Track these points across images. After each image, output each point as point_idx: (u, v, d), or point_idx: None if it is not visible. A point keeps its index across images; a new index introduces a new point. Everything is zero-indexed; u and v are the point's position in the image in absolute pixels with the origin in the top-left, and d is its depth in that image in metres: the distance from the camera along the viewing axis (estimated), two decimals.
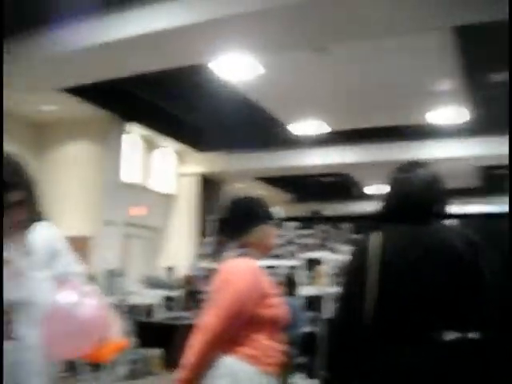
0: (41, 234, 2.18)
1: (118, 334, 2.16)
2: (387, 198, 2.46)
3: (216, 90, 8.61)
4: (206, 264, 9.14)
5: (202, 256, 9.74)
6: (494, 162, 12.21)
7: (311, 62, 7.60)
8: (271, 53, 7.31)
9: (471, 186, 14.89)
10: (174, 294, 9.29)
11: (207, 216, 12.26)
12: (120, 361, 6.98)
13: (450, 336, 2.18)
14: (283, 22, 6.04)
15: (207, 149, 12.47)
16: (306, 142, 11.27)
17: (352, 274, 2.38)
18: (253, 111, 9.59)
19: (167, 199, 12.97)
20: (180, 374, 2.63)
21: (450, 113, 9.55)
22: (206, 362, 2.61)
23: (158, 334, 7.95)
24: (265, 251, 2.93)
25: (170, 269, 10.97)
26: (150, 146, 12.17)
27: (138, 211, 11.46)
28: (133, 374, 7.32)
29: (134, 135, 11.42)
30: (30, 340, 1.97)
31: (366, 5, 5.67)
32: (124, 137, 10.75)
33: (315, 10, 5.78)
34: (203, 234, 11.86)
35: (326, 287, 6.73)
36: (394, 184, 2.46)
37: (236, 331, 2.63)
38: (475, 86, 8.47)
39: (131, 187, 11.29)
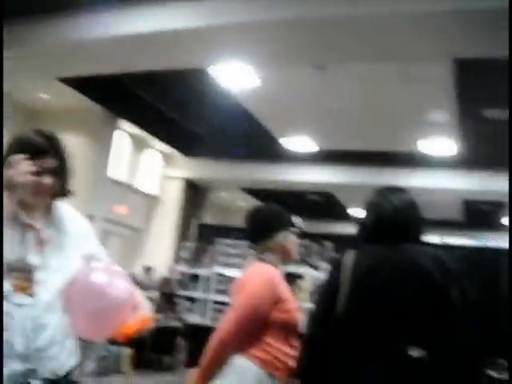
0: (69, 212, 2.22)
1: (146, 312, 2.21)
2: (364, 219, 2.57)
3: (212, 97, 8.63)
4: (183, 268, 9.14)
5: (180, 260, 9.75)
6: (478, 197, 12.37)
7: (308, 79, 7.64)
8: (270, 65, 7.35)
9: (455, 219, 15.04)
10: (150, 294, 9.27)
11: (189, 220, 12.28)
12: (89, 356, 6.95)
13: (415, 353, 2.24)
14: (285, 36, 6.09)
15: (196, 154, 12.49)
16: (296, 157, 11.32)
17: (325, 290, 2.47)
18: (246, 121, 9.62)
19: (151, 200, 12.96)
20: (196, 371, 2.72)
21: (441, 143, 9.65)
22: (219, 362, 2.69)
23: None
24: (286, 257, 3.03)
25: (148, 269, 10.95)
26: (140, 145, 12.18)
27: (120, 209, 11.45)
28: (101, 371, 7.27)
29: (125, 133, 11.42)
30: (50, 305, 1.98)
31: (368, 29, 5.74)
32: (115, 133, 10.75)
33: (317, 27, 5.85)
34: (184, 238, 11.88)
35: (305, 302, 6.76)
36: (370, 207, 2.58)
37: (250, 333, 2.71)
38: (468, 119, 8.57)
39: (116, 184, 11.29)
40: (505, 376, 6.46)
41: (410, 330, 2.29)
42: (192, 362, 2.79)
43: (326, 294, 2.43)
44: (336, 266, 2.46)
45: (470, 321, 2.32)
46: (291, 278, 6.94)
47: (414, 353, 2.25)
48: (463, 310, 2.30)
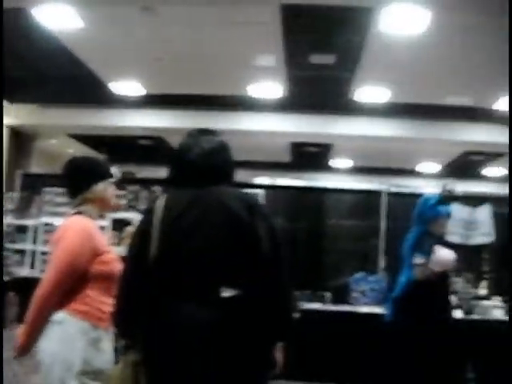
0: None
1: None
2: (173, 162, 2.57)
3: (35, 40, 8.14)
4: (10, 220, 8.74)
5: (7, 211, 9.30)
6: (306, 140, 12.86)
7: (135, 21, 7.42)
8: (93, 5, 7.04)
9: (283, 161, 15.55)
10: None
11: (15, 170, 11.69)
12: None
13: (228, 293, 2.32)
14: None
15: (20, 100, 11.81)
16: (125, 102, 11.07)
17: (137, 234, 2.48)
18: (72, 65, 9.20)
19: None
20: (20, 329, 2.71)
21: (268, 87, 9.84)
22: (41, 319, 2.66)
23: None
24: (104, 208, 2.97)
25: None
26: None
27: None
28: None
29: None
30: None
31: None
32: None
33: None
34: (10, 188, 11.31)
35: None
36: (180, 149, 2.57)
37: (70, 288, 2.69)
38: (294, 64, 8.79)
39: None
40: (328, 307, 6.91)
41: (221, 271, 2.34)
42: (24, 316, 2.71)
43: (138, 239, 2.44)
44: (148, 210, 2.47)
45: (278, 259, 2.41)
46: (120, 225, 6.91)
47: (227, 293, 2.30)
48: (271, 249, 2.39)
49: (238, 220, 2.36)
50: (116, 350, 2.79)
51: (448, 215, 5.01)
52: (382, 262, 7.35)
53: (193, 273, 2.33)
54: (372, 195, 7.61)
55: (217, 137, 2.63)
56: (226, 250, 2.35)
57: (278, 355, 2.54)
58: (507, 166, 14.47)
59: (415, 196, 6.02)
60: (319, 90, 9.94)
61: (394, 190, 7.76)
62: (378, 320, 6.02)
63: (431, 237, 4.82)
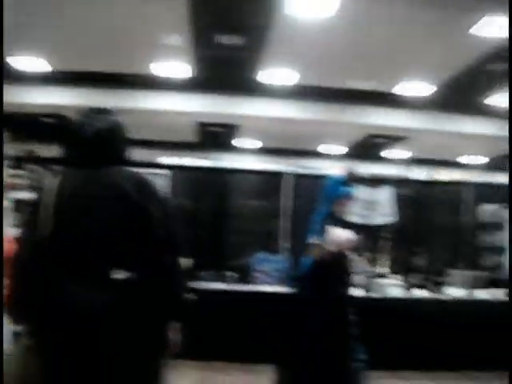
0: None
1: None
2: (67, 141, 2.52)
3: None
4: None
5: None
6: (212, 120, 12.81)
7: None
8: None
9: (189, 141, 15.45)
10: None
11: None
12: None
13: (120, 275, 2.29)
14: None
15: None
16: (27, 78, 10.64)
17: (28, 214, 2.43)
18: None
19: None
20: None
21: (175, 66, 9.71)
22: None
23: None
24: None
25: None
26: None
27: None
28: None
29: None
30: None
31: None
32: None
33: None
34: None
35: None
36: (73, 128, 2.52)
37: None
38: (201, 43, 8.70)
39: None
40: (231, 287, 6.95)
41: (111, 252, 2.31)
42: None
43: (30, 219, 2.37)
44: (39, 189, 2.40)
45: (170, 241, 2.40)
46: (21, 205, 6.66)
47: (119, 275, 2.27)
48: (164, 231, 2.37)
49: (130, 201, 2.33)
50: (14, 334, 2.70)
51: (351, 196, 5.11)
52: (285, 243, 7.45)
53: (84, 254, 2.29)
54: (275, 176, 7.69)
55: (112, 116, 2.57)
56: (116, 231, 2.32)
57: (175, 336, 2.53)
58: (409, 148, 14.98)
59: (319, 177, 6.12)
60: (226, 70, 9.90)
61: (297, 171, 7.87)
62: (280, 299, 6.11)
63: (334, 217, 4.90)
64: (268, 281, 7.06)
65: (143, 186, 2.39)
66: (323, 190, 5.10)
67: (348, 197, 5.06)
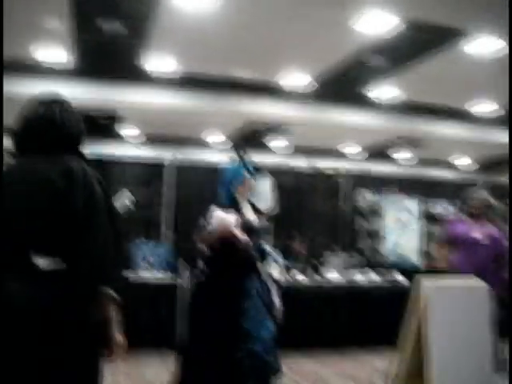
0: None
1: None
2: (14, 130, 2.57)
3: None
4: None
5: None
6: (94, 107, 12.53)
7: None
8: None
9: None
10: None
11: None
12: None
13: (46, 264, 2.30)
14: None
15: None
16: None
17: None
18: None
19: None
20: None
21: (55, 52, 9.46)
22: None
23: None
24: None
25: None
26: None
27: None
28: None
29: None
30: None
31: None
32: None
33: None
34: None
35: None
36: (23, 118, 2.56)
37: None
38: (82, 29, 8.54)
39: None
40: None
41: (39, 240, 2.32)
42: None
43: None
44: None
45: (96, 228, 2.40)
46: None
47: (46, 265, 2.27)
48: (89, 219, 2.38)
49: (56, 190, 2.35)
50: None
51: (254, 176, 5.21)
52: (165, 230, 7.50)
53: (13, 242, 2.29)
54: (157, 165, 7.71)
55: (59, 104, 2.63)
56: (42, 219, 2.32)
57: (118, 335, 2.52)
58: (290, 138, 15.34)
59: (201, 166, 6.21)
60: (108, 57, 9.76)
61: (179, 159, 7.92)
62: (158, 285, 6.16)
63: (236, 202, 4.96)
64: (146, 266, 7.11)
65: (70, 172, 2.39)
66: (224, 176, 5.15)
67: (251, 177, 5.16)
